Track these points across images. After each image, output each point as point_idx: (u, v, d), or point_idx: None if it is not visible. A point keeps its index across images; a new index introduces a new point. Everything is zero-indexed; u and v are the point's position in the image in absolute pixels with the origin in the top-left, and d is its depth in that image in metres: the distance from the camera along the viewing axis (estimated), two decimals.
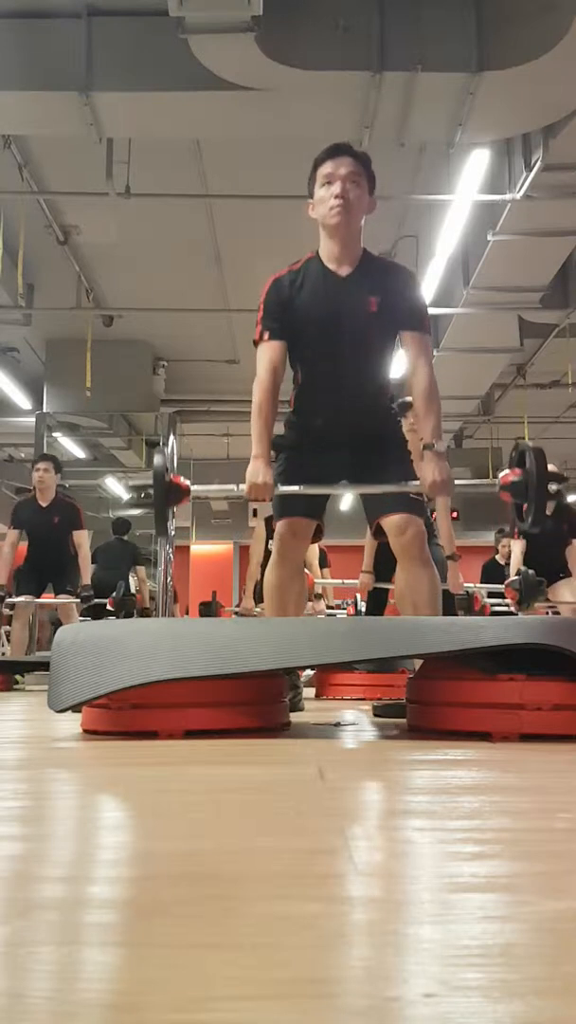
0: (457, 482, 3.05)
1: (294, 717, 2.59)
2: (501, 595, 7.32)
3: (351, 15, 4.96)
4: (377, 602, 5.68)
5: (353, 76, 5.03)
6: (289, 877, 0.89)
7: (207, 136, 6.22)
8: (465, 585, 6.30)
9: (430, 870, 0.95)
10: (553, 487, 2.99)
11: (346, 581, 8.55)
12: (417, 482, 2.93)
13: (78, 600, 6.52)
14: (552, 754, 1.91)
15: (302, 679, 3.35)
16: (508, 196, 6.28)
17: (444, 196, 6.59)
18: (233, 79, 5.00)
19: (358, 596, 8.52)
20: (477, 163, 6.07)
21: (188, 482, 3.07)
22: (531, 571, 6.01)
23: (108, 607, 7.43)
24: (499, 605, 7.71)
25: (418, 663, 2.57)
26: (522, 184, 6.06)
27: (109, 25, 5.17)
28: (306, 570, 6.11)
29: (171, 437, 10.44)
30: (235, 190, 6.89)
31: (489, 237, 6.80)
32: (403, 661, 3.42)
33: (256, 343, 2.98)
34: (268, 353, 2.93)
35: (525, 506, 2.92)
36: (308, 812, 1.27)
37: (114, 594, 7.42)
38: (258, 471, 2.85)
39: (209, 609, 9.47)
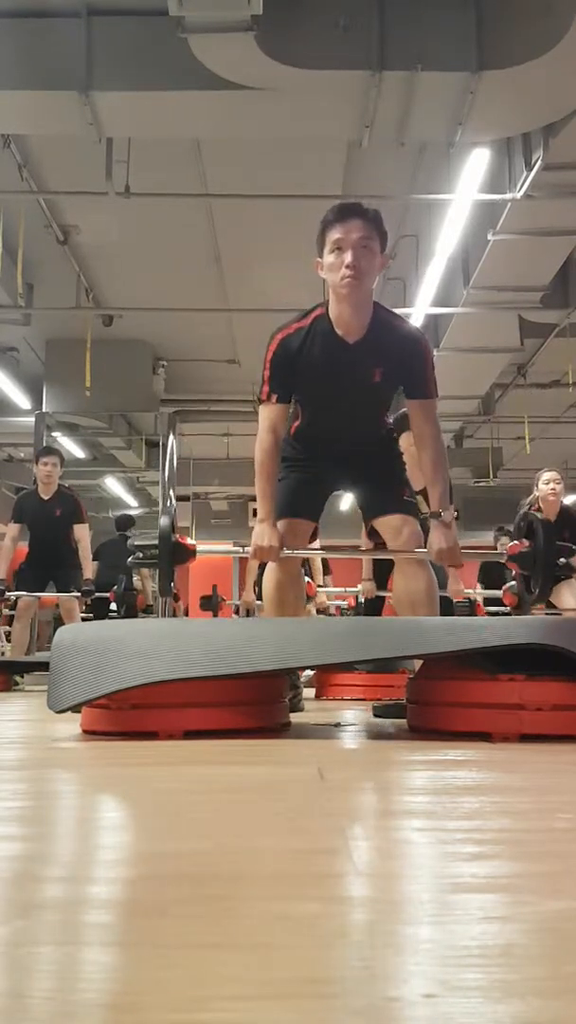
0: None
1: (294, 717, 2.59)
2: (499, 601, 7.35)
3: (351, 14, 4.95)
4: (373, 609, 5.70)
5: (353, 76, 5.03)
6: (289, 877, 0.89)
7: (207, 136, 6.21)
8: (466, 592, 6.34)
9: (430, 870, 0.95)
10: (562, 561, 3.02)
11: (348, 589, 8.60)
12: (423, 549, 2.97)
13: (80, 595, 6.52)
14: (552, 754, 1.91)
15: (302, 679, 3.36)
16: (508, 196, 6.27)
17: (444, 196, 6.59)
18: (233, 79, 4.99)
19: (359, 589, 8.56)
20: (477, 163, 6.06)
21: (193, 542, 3.11)
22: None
23: (110, 601, 7.47)
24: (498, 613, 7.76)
25: (418, 663, 2.58)
26: (522, 183, 6.05)
27: (109, 25, 5.17)
28: (308, 579, 6.12)
29: (171, 437, 10.45)
30: (235, 190, 6.88)
31: (489, 237, 6.80)
32: (403, 661, 3.42)
33: (261, 401, 2.98)
34: (271, 414, 2.94)
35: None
36: (308, 812, 1.27)
37: (115, 588, 7.46)
38: (264, 534, 2.89)
39: (210, 603, 9.49)
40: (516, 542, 3.03)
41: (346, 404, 2.95)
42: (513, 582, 6.10)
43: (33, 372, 10.43)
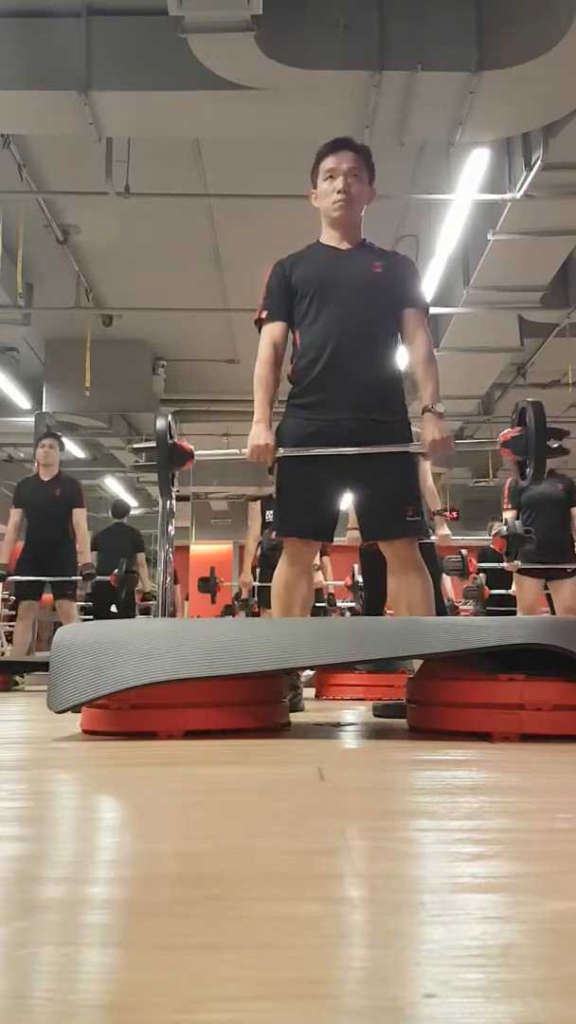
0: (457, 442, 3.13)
1: (294, 717, 2.59)
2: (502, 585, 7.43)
3: (351, 14, 4.95)
4: (373, 606, 5.69)
5: (353, 76, 5.03)
6: (289, 878, 0.89)
7: (207, 136, 6.21)
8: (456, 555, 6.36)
9: (430, 871, 0.95)
10: (554, 443, 3.03)
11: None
12: (417, 443, 3.00)
13: (82, 578, 6.54)
14: (552, 754, 1.91)
15: (302, 679, 3.35)
16: (508, 195, 6.27)
17: (444, 196, 6.59)
18: (233, 79, 4.99)
19: (355, 568, 8.57)
20: (477, 162, 6.06)
21: (192, 446, 3.11)
22: (518, 522, 6.07)
23: (111, 584, 7.55)
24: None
25: (418, 663, 2.58)
26: (522, 183, 6.05)
27: (109, 24, 5.17)
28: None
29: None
30: (235, 190, 6.88)
31: (489, 237, 6.80)
32: (403, 661, 3.41)
33: (257, 323, 3.10)
34: (269, 333, 3.06)
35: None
36: (308, 812, 1.27)
37: (116, 571, 7.53)
38: (259, 434, 2.97)
39: (208, 584, 9.54)
40: (508, 429, 3.07)
41: (348, 300, 2.98)
42: (502, 527, 6.15)
43: (33, 372, 10.43)
